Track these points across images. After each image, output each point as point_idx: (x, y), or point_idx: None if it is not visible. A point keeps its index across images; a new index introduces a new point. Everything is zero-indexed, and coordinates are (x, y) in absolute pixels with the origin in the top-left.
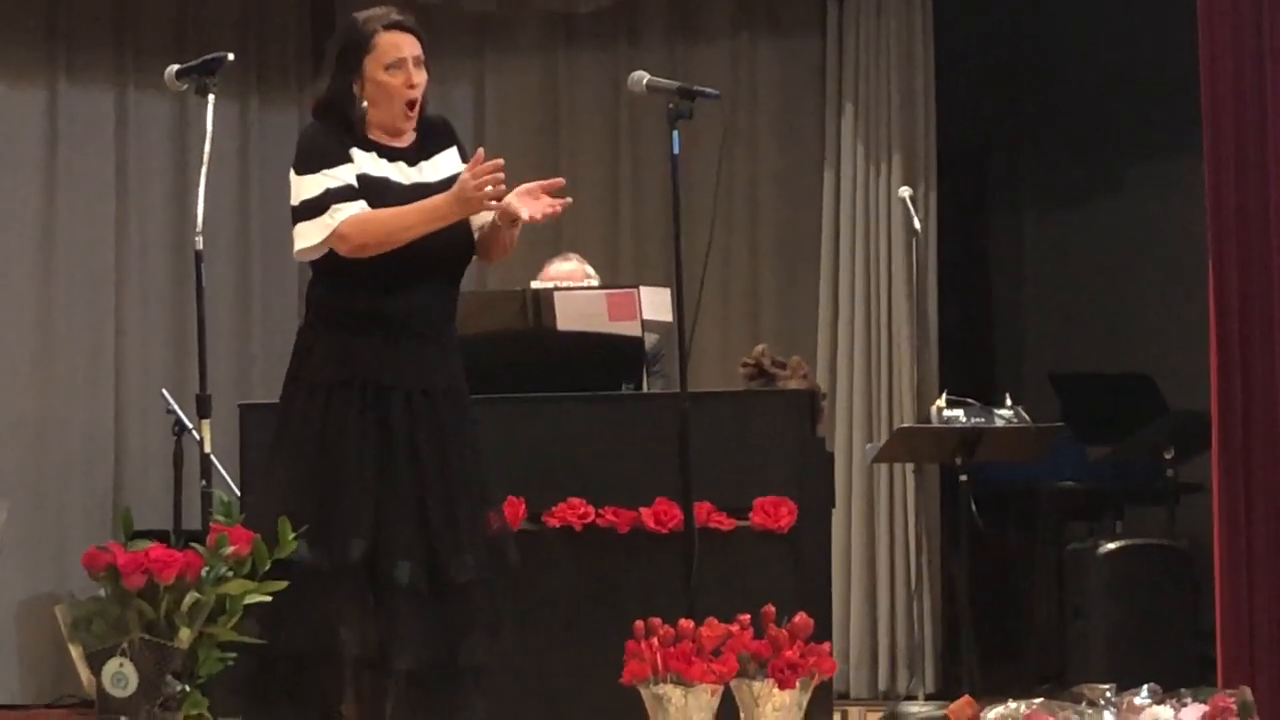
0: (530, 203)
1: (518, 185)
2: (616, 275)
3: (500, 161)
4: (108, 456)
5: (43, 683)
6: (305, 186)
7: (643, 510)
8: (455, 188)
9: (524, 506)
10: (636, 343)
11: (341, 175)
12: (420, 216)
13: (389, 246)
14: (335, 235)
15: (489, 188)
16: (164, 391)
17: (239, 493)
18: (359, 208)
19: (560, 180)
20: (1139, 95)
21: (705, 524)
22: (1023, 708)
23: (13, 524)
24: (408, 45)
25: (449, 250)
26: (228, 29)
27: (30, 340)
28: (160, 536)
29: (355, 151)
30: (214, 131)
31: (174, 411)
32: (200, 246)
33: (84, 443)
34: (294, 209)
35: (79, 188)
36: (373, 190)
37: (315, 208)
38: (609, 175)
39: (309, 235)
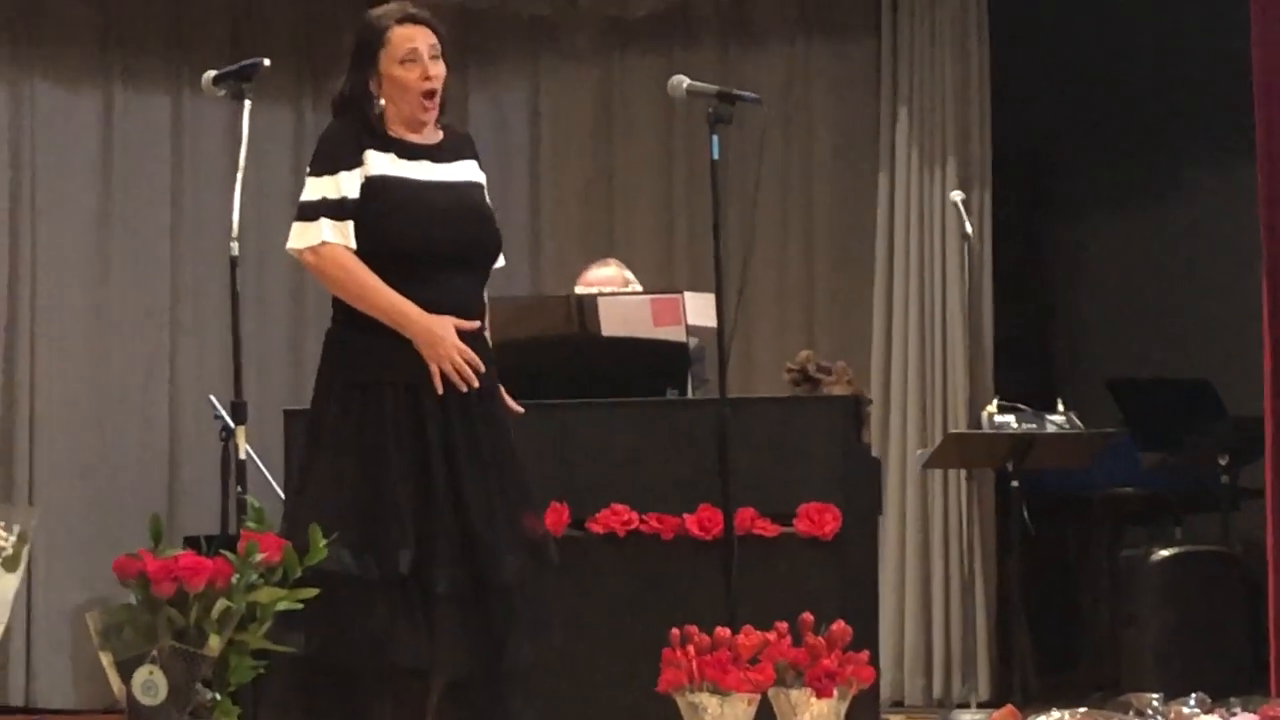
0: None
1: (570, 191)
2: (670, 279)
3: (470, 377)
4: (163, 461)
5: (96, 689)
6: (308, 188)
7: (686, 517)
8: (439, 331)
9: (567, 512)
10: (681, 348)
11: (343, 185)
12: (389, 306)
13: (347, 299)
14: (313, 252)
15: (449, 367)
16: (211, 397)
17: (284, 498)
18: (346, 230)
19: None
20: (1198, 97)
21: (749, 530)
22: (1067, 716)
23: (57, 531)
24: (421, 38)
25: (476, 241)
26: (282, 34)
27: (86, 345)
28: (211, 542)
29: (371, 153)
30: (269, 136)
31: (221, 416)
32: (235, 252)
33: (139, 447)
34: (298, 205)
35: (135, 193)
36: (386, 190)
37: (308, 212)
38: (663, 178)
39: (295, 238)
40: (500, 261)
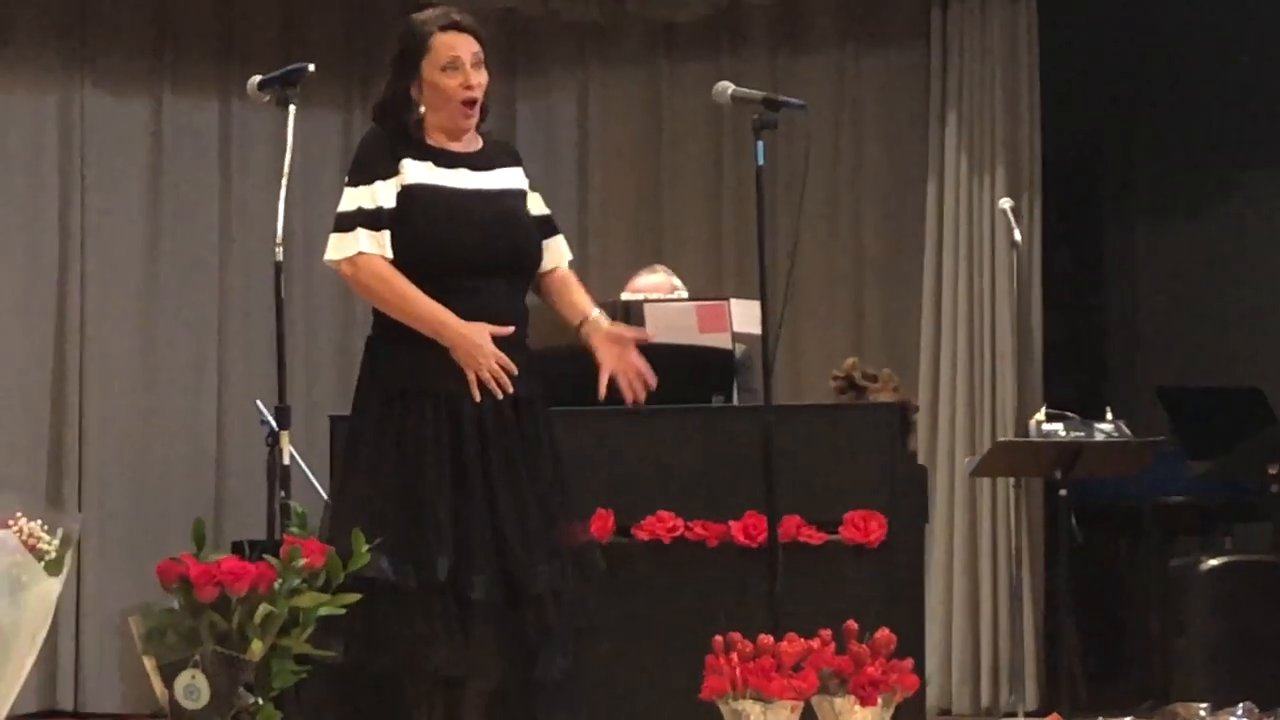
0: (615, 356)
1: (618, 198)
2: (718, 286)
3: (507, 384)
4: (210, 466)
5: (145, 693)
6: (345, 198)
7: (732, 524)
8: (476, 338)
9: (612, 519)
10: (727, 355)
11: (379, 195)
12: (427, 315)
13: (385, 309)
14: (350, 263)
15: (487, 375)
16: (258, 402)
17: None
18: (382, 240)
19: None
20: (1250, 103)
21: (795, 538)
22: None
23: (106, 535)
24: (463, 45)
25: (514, 249)
26: (332, 40)
27: (134, 351)
28: (256, 546)
29: (408, 162)
30: (318, 142)
31: (267, 422)
32: (280, 258)
33: (187, 452)
34: (335, 216)
35: (183, 199)
36: (423, 199)
37: (344, 224)
38: (711, 185)
39: (331, 250)
40: (567, 256)
